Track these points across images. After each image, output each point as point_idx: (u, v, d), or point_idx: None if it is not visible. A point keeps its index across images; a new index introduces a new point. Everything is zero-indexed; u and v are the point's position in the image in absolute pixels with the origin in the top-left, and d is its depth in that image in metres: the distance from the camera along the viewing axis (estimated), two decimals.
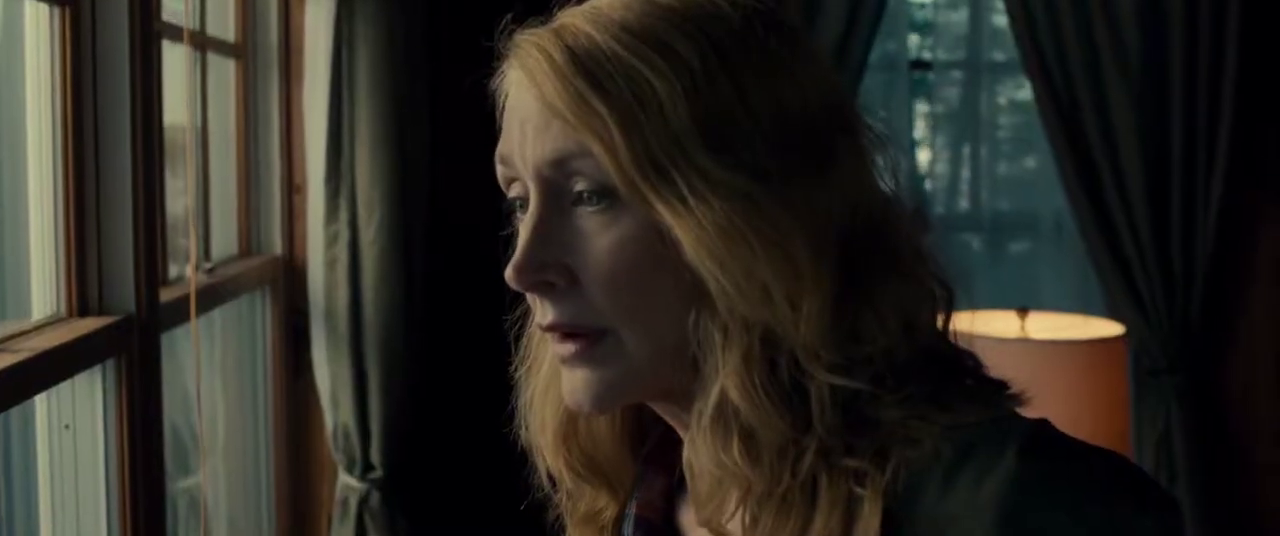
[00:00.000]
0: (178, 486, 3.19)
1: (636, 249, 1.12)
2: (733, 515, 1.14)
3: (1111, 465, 1.07)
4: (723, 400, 1.12)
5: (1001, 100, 4.79)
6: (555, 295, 1.15)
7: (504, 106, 1.21)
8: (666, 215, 1.10)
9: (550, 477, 1.34)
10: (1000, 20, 4.54)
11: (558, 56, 1.13)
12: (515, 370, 1.33)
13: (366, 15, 3.33)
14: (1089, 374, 3.25)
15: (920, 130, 4.82)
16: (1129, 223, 4.34)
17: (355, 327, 3.40)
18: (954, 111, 4.78)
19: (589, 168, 1.12)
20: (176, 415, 3.12)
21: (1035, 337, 3.34)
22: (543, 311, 1.17)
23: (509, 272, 1.15)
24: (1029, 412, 1.14)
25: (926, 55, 4.77)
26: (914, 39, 4.79)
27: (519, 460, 1.34)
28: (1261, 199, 4.49)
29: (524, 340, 1.32)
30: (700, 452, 1.14)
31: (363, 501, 3.48)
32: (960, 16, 4.78)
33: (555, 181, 1.15)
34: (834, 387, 1.10)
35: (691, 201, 1.10)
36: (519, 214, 1.19)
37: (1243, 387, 4.55)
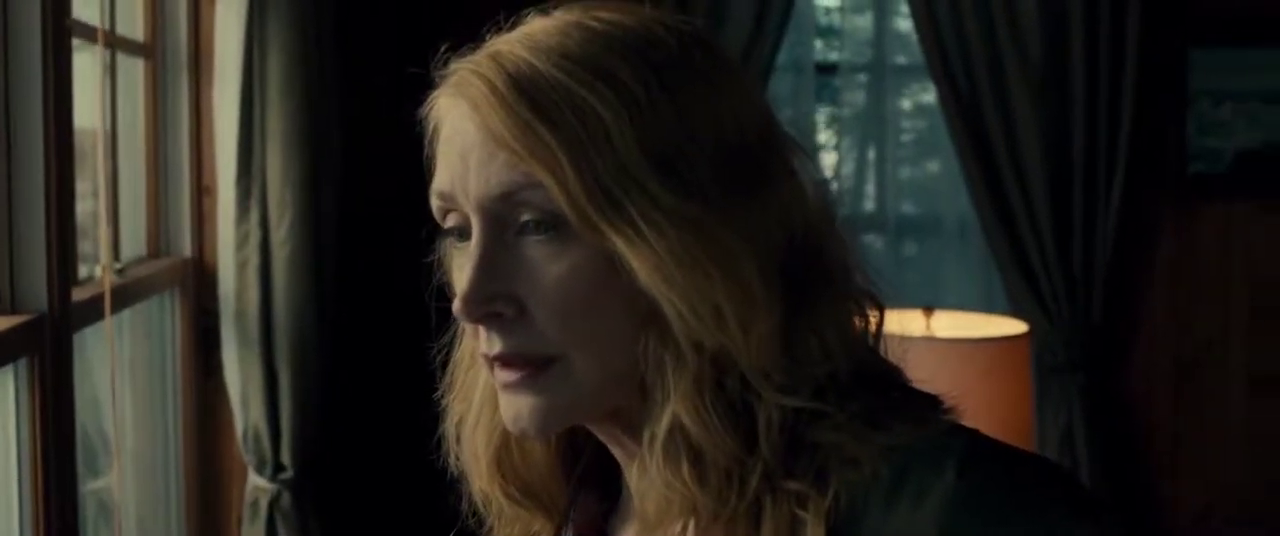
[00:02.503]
0: (86, 489, 3.17)
1: (586, 276, 1.12)
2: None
3: (1048, 478, 1.10)
4: (674, 422, 1.12)
5: (906, 103, 4.84)
6: (503, 325, 1.14)
7: (435, 135, 1.20)
8: (619, 244, 1.10)
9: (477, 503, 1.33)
10: (905, 24, 4.60)
11: (501, 85, 1.12)
12: (441, 396, 1.31)
13: (278, 16, 3.32)
14: (994, 371, 3.29)
15: (825, 133, 4.87)
16: (1032, 224, 4.40)
17: (266, 328, 3.39)
18: (859, 114, 4.82)
19: (538, 198, 1.12)
20: (85, 416, 3.10)
21: (941, 336, 3.38)
22: (490, 342, 1.16)
23: (457, 306, 1.14)
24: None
25: (832, 58, 4.81)
26: (819, 43, 4.83)
27: (431, 465, 1.33)
28: (1161, 201, 4.57)
29: (450, 366, 1.31)
30: (650, 474, 1.14)
31: (273, 502, 3.47)
32: (865, 21, 4.83)
33: (500, 213, 1.14)
34: (782, 409, 1.12)
35: (644, 229, 1.10)
36: (454, 243, 1.19)
37: (1143, 385, 4.63)
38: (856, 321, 1.19)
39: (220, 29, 3.40)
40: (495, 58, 1.14)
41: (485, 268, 1.13)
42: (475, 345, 1.23)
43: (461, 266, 1.16)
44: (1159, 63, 4.46)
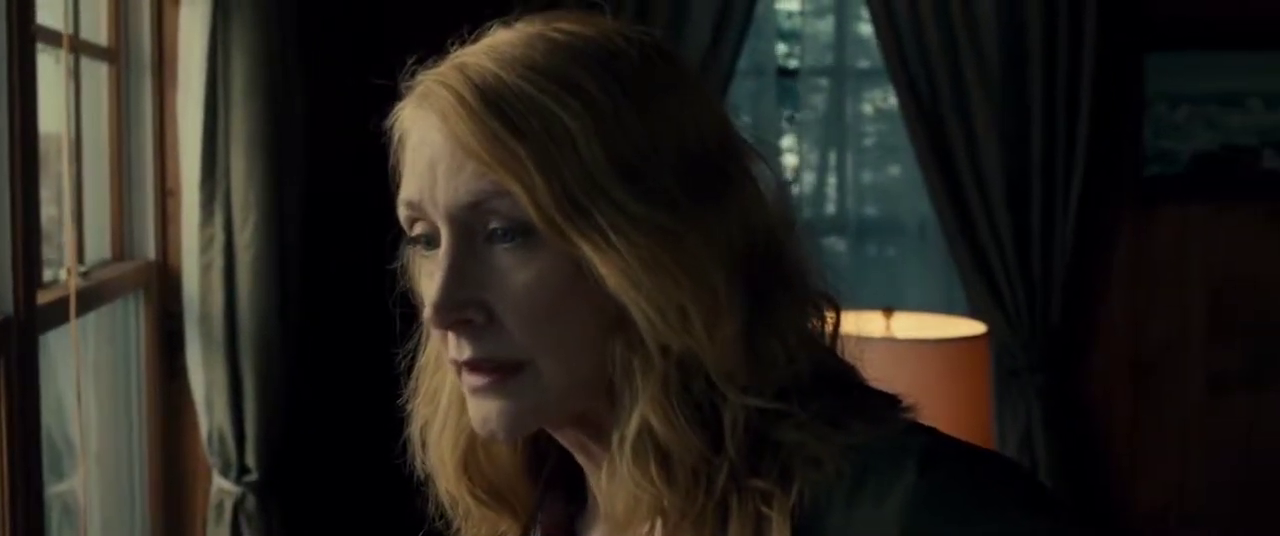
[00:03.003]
0: (51, 491, 3.18)
1: (555, 283, 1.14)
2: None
3: (1007, 475, 1.12)
4: (643, 424, 1.14)
5: (867, 107, 4.87)
6: (473, 332, 1.16)
7: (402, 145, 1.21)
8: (588, 251, 1.12)
9: (443, 505, 1.34)
10: (866, 29, 4.62)
11: (469, 96, 1.14)
12: (406, 401, 1.33)
13: (242, 19, 3.33)
14: (953, 371, 3.33)
15: (787, 137, 4.89)
16: (991, 227, 4.44)
17: (230, 331, 3.41)
18: (820, 118, 4.85)
19: (506, 207, 1.13)
20: (50, 419, 3.11)
21: (900, 337, 3.42)
22: (459, 347, 1.17)
23: (428, 313, 1.16)
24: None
25: (793, 63, 4.84)
26: (781, 47, 4.86)
27: (396, 467, 1.34)
28: (1118, 204, 4.61)
29: (415, 371, 1.32)
30: (619, 476, 1.15)
31: (238, 504, 3.48)
32: (826, 25, 4.86)
33: (469, 221, 1.15)
34: (747, 409, 1.14)
35: (613, 237, 1.12)
36: (422, 251, 1.20)
37: (1101, 387, 4.67)
38: (815, 323, 1.21)
39: (184, 33, 3.40)
40: (461, 69, 1.16)
41: (455, 275, 1.15)
42: (442, 349, 1.24)
43: (430, 273, 1.18)
44: (1116, 67, 4.49)
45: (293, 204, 3.50)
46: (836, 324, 1.23)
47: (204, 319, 3.42)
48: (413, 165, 1.18)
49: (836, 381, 1.21)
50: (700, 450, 1.13)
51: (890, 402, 1.20)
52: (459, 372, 1.19)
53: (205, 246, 3.38)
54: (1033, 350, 4.48)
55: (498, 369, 1.16)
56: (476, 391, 1.18)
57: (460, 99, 1.14)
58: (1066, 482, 4.48)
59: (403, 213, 1.20)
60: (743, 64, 4.52)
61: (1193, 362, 4.70)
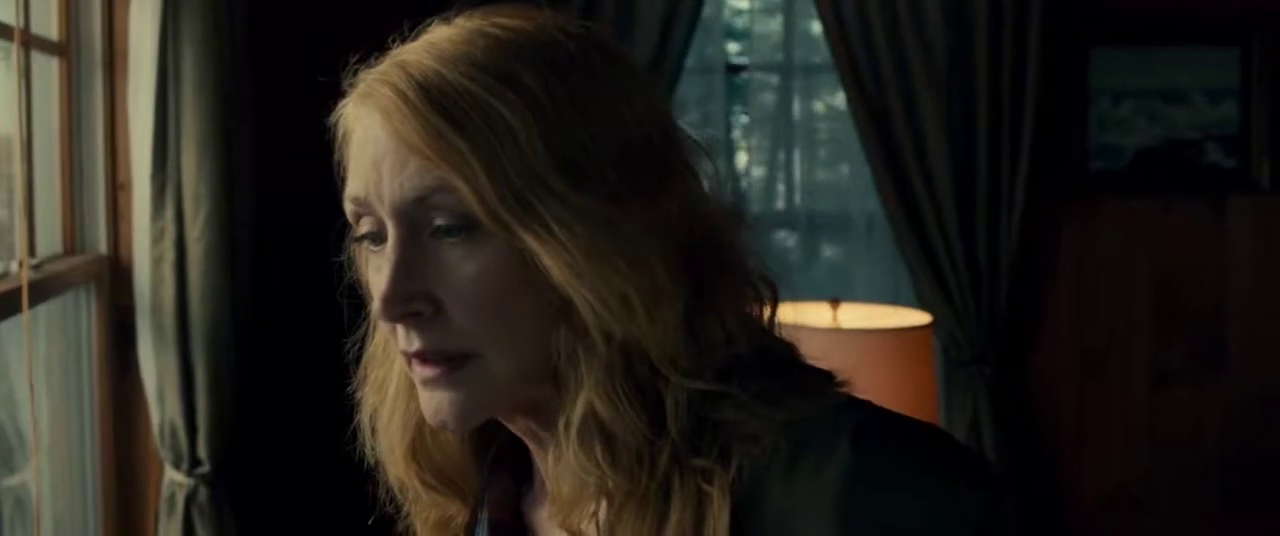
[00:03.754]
0: (3, 485, 3.18)
1: (500, 275, 1.17)
2: (591, 517, 1.21)
3: (937, 445, 1.16)
4: (588, 409, 1.17)
5: (816, 104, 4.90)
6: (421, 324, 1.19)
7: (345, 142, 1.24)
8: (531, 242, 1.15)
9: (393, 491, 1.37)
10: (814, 26, 4.66)
11: (411, 93, 1.16)
12: (354, 390, 1.36)
13: (192, 14, 3.34)
14: (899, 360, 3.37)
15: (737, 133, 4.92)
16: (938, 221, 4.48)
17: (181, 323, 3.41)
18: (770, 115, 4.88)
19: (450, 202, 1.16)
20: (2, 413, 3.11)
21: (847, 327, 3.46)
22: (408, 339, 1.20)
23: (377, 307, 1.19)
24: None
25: (742, 60, 4.87)
26: (730, 44, 4.89)
27: (347, 457, 1.36)
28: (1064, 198, 4.66)
29: (363, 360, 1.36)
30: (566, 459, 1.19)
31: (190, 497, 3.49)
32: (775, 23, 4.89)
33: (415, 216, 1.18)
34: (688, 391, 1.18)
35: (556, 229, 1.15)
36: (369, 246, 1.23)
37: (1048, 378, 4.72)
38: (754, 305, 1.25)
39: (135, 28, 3.41)
40: (403, 66, 1.19)
41: (402, 269, 1.18)
42: (391, 340, 1.27)
43: (378, 268, 1.21)
44: (1060, 63, 4.54)
45: (244, 197, 3.50)
46: (774, 305, 1.26)
47: (155, 311, 3.43)
48: (357, 162, 1.21)
49: (775, 361, 1.24)
50: (643, 432, 1.17)
51: (826, 379, 1.23)
52: (409, 364, 1.22)
53: (156, 239, 3.39)
54: (980, 342, 4.53)
55: (447, 360, 1.19)
56: (427, 382, 1.20)
57: (402, 96, 1.16)
58: (1013, 472, 4.53)
59: (349, 209, 1.23)
60: (692, 61, 4.55)
61: (1137, 354, 4.75)
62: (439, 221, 1.17)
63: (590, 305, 1.16)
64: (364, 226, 1.22)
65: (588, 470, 1.18)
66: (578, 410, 1.18)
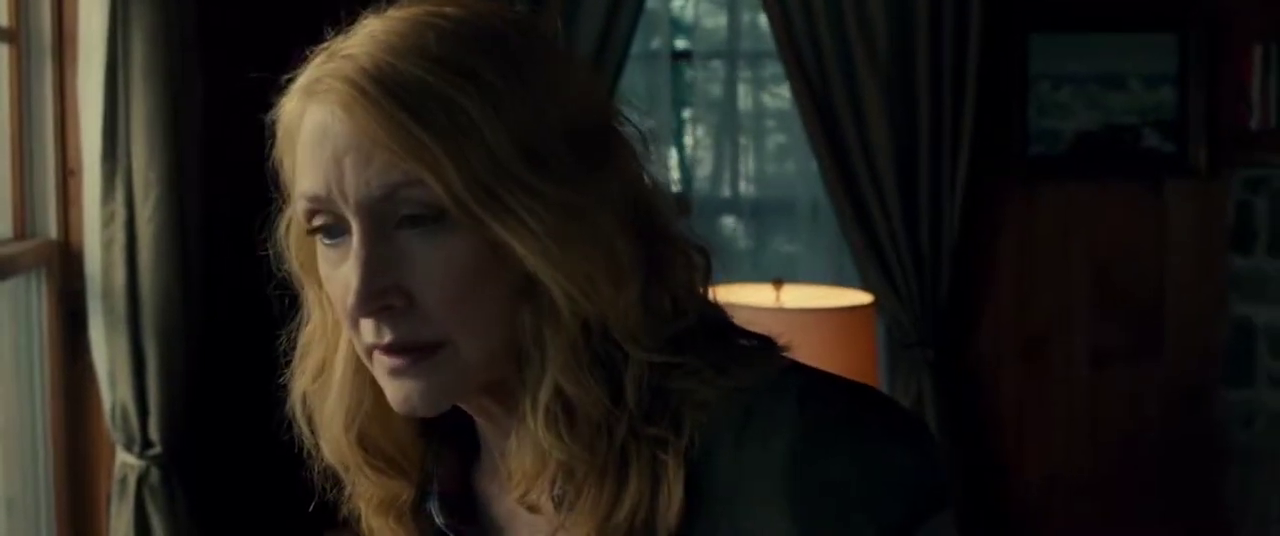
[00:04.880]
0: None
1: (469, 264, 1.17)
2: (547, 491, 1.23)
3: (875, 406, 1.21)
4: (554, 388, 1.19)
5: (760, 90, 4.95)
6: (393, 316, 1.19)
7: (290, 139, 1.23)
8: (502, 233, 1.16)
9: (332, 474, 1.36)
10: (759, 16, 4.70)
11: (371, 88, 1.15)
12: (289, 375, 1.34)
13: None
14: (841, 339, 3.42)
15: (682, 119, 4.96)
16: (881, 206, 4.53)
17: (132, 306, 3.44)
18: (715, 101, 4.92)
19: (419, 195, 1.16)
20: None
21: (790, 306, 3.51)
22: (378, 332, 1.20)
23: (351, 305, 1.18)
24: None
25: (687, 47, 4.91)
26: (674, 32, 4.92)
27: (296, 439, 1.35)
28: (1004, 182, 4.71)
29: (300, 348, 1.34)
30: (532, 434, 1.20)
31: (142, 479, 3.51)
32: (720, 10, 4.93)
33: (382, 211, 1.18)
34: (646, 364, 1.20)
35: (525, 218, 1.16)
36: (323, 241, 1.22)
37: (990, 361, 4.78)
38: (693, 275, 1.27)
39: (84, 14, 3.43)
40: (354, 60, 1.18)
41: (373, 264, 1.18)
42: (330, 328, 1.29)
43: (334, 262, 1.21)
44: (1000, 48, 4.60)
45: (192, 181, 3.53)
46: (709, 273, 1.28)
47: (106, 294, 3.45)
48: (315, 159, 1.19)
49: (716, 328, 1.27)
50: (605, 406, 1.19)
51: (768, 345, 1.27)
52: (370, 356, 1.23)
53: (106, 222, 3.41)
54: (923, 325, 4.58)
55: (417, 349, 1.20)
56: (395, 372, 1.21)
57: (362, 91, 1.16)
58: (956, 453, 4.59)
59: (303, 206, 1.21)
60: (637, 48, 4.59)
61: (1077, 336, 4.82)
62: (406, 214, 1.18)
63: (563, 289, 1.17)
64: (319, 222, 1.21)
65: (553, 445, 1.19)
66: (545, 388, 1.19)
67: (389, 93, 1.15)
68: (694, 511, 1.18)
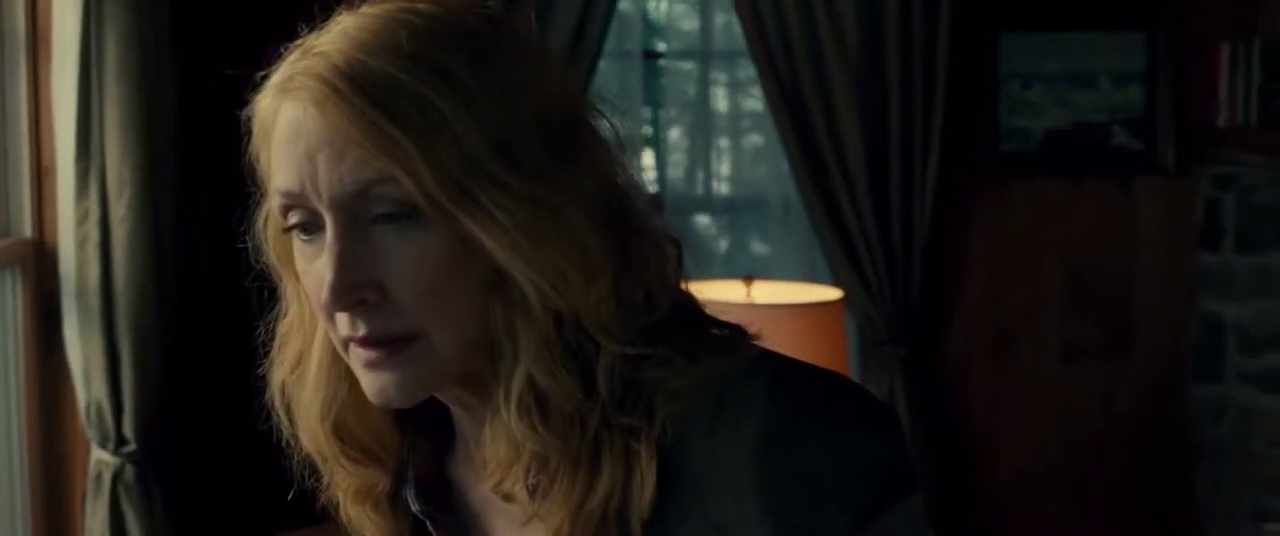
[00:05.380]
0: None
1: (442, 258, 1.19)
2: (521, 480, 1.24)
3: (846, 394, 1.24)
4: (527, 379, 1.20)
5: (732, 89, 4.96)
6: (367, 310, 1.20)
7: (264, 135, 1.24)
8: (473, 228, 1.17)
9: (309, 464, 1.37)
10: (730, 13, 4.72)
11: (343, 86, 1.16)
12: (267, 367, 1.35)
13: None
14: (811, 335, 3.44)
15: (656, 119, 4.98)
16: (852, 204, 4.54)
17: (107, 303, 3.44)
18: (687, 99, 4.93)
19: (392, 192, 1.17)
20: None
21: (760, 302, 3.53)
22: (353, 326, 1.21)
23: (326, 299, 1.19)
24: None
25: (660, 46, 4.92)
26: (647, 31, 4.94)
27: (271, 434, 1.37)
28: (975, 180, 4.73)
29: (278, 339, 1.35)
30: (505, 425, 1.21)
31: (117, 476, 3.52)
32: (692, 9, 4.95)
33: (355, 207, 1.19)
34: (618, 355, 1.21)
35: (497, 214, 1.17)
36: (299, 236, 1.23)
37: (961, 357, 4.80)
38: (668, 266, 1.28)
39: (58, 12, 3.44)
40: (327, 57, 1.19)
41: (347, 260, 1.19)
42: (307, 320, 1.31)
43: (310, 257, 1.23)
44: (970, 47, 4.62)
45: (166, 178, 3.53)
46: (680, 261, 1.30)
47: (80, 292, 3.46)
48: (289, 156, 1.20)
49: (687, 317, 1.28)
50: (578, 397, 1.21)
51: (739, 333, 1.28)
52: (346, 348, 1.24)
53: (81, 220, 3.42)
54: (894, 322, 4.59)
55: (392, 342, 1.21)
56: (370, 365, 1.22)
57: (335, 88, 1.17)
58: (929, 449, 4.62)
59: (277, 202, 1.23)
60: (610, 47, 4.60)
61: (1049, 333, 4.84)
62: (380, 211, 1.19)
63: (535, 284, 1.19)
64: (294, 218, 1.23)
65: (526, 436, 1.21)
66: (517, 380, 1.21)
67: (361, 90, 1.16)
68: (666, 499, 1.20)
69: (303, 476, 1.38)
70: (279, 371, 1.35)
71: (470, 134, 1.17)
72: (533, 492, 1.24)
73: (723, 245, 4.89)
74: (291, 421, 1.35)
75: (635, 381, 1.22)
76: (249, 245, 1.34)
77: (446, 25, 1.22)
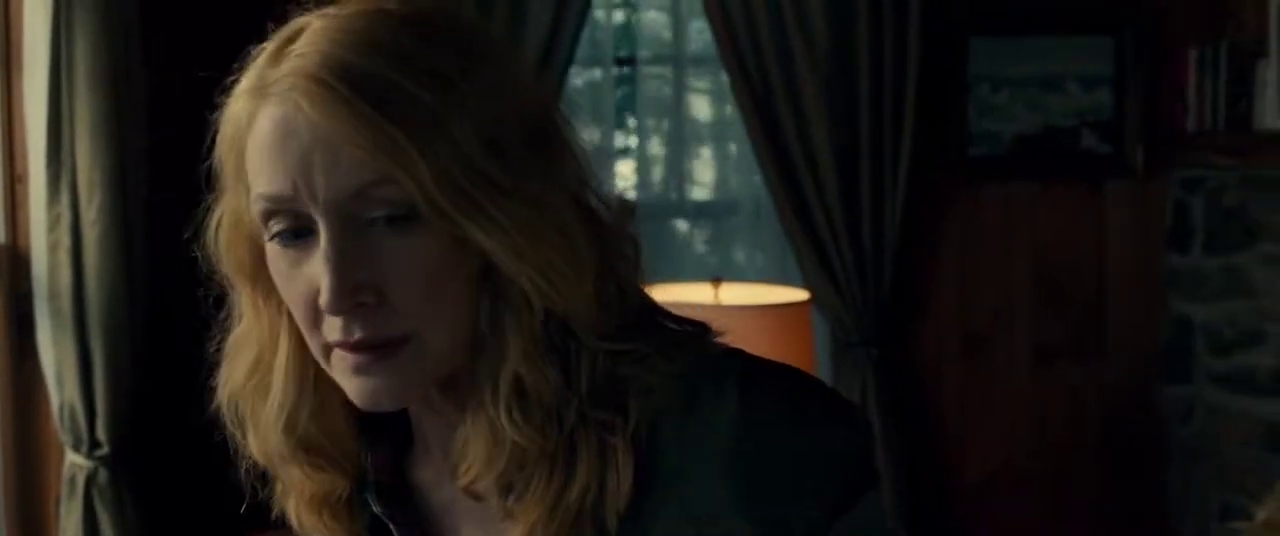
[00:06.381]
0: None
1: (438, 258, 1.18)
2: (498, 477, 1.24)
3: (811, 389, 1.26)
4: (515, 376, 1.20)
5: (703, 93, 4.97)
6: (365, 313, 1.19)
7: (240, 140, 1.21)
8: (471, 229, 1.17)
9: (260, 474, 1.36)
10: (700, 18, 4.73)
11: (338, 85, 1.15)
12: (218, 378, 1.34)
13: (85, 4, 3.39)
14: (779, 335, 3.46)
15: (625, 123, 4.99)
16: (823, 207, 4.55)
17: (78, 307, 3.46)
18: (658, 104, 4.94)
19: (390, 193, 1.16)
20: None
21: (728, 304, 3.55)
22: (347, 330, 1.19)
23: (326, 303, 1.18)
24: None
25: (630, 51, 4.93)
26: (619, 35, 4.95)
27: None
28: (945, 183, 4.74)
29: (229, 348, 1.34)
30: (494, 422, 1.21)
31: (90, 479, 3.54)
32: (663, 15, 4.96)
33: (352, 210, 1.17)
34: (597, 350, 1.22)
35: (495, 214, 1.17)
36: (280, 243, 1.21)
37: (932, 358, 4.81)
38: (633, 264, 1.30)
39: (28, 19, 3.46)
40: (315, 57, 1.17)
41: (345, 265, 1.17)
42: (267, 333, 1.30)
43: (294, 263, 1.21)
44: (940, 51, 4.63)
45: (137, 183, 3.55)
46: (638, 258, 1.31)
47: (53, 296, 3.48)
48: (275, 159, 1.18)
49: (651, 314, 1.31)
50: (559, 393, 1.22)
51: (703, 330, 1.31)
52: (327, 354, 1.23)
53: (52, 225, 3.44)
54: (866, 324, 4.60)
55: (384, 345, 1.20)
56: (360, 369, 1.21)
57: (330, 87, 1.15)
58: (900, 449, 4.64)
59: (261, 207, 1.20)
60: (581, 52, 4.60)
61: (1019, 334, 4.86)
62: (376, 213, 1.18)
63: (531, 279, 1.19)
64: (278, 224, 1.20)
65: (511, 431, 1.21)
66: (505, 377, 1.21)
67: (358, 89, 1.15)
68: (641, 493, 1.22)
69: (254, 487, 1.38)
70: (229, 384, 1.34)
71: (464, 133, 1.17)
72: (506, 492, 1.25)
73: (693, 249, 4.90)
74: (243, 433, 1.34)
75: (611, 377, 1.23)
76: (199, 255, 1.32)
77: (426, 25, 1.22)
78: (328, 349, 1.23)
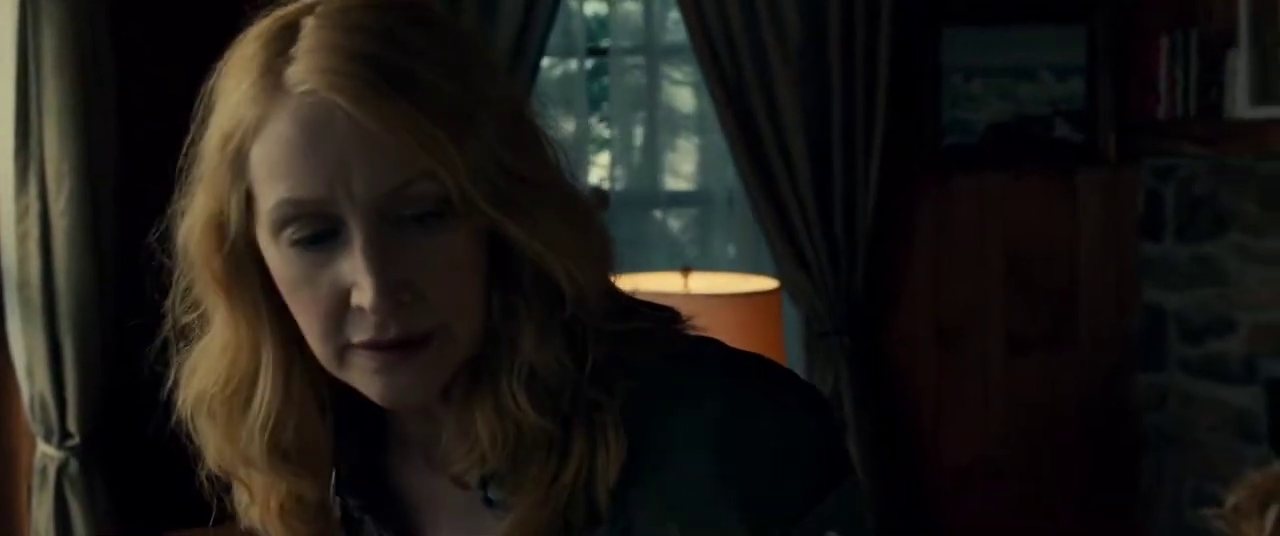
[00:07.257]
0: None
1: (468, 252, 1.19)
2: (497, 463, 1.24)
3: (785, 378, 1.30)
4: (529, 361, 1.22)
5: (676, 83, 4.98)
6: (402, 310, 1.18)
7: (248, 140, 1.18)
8: (507, 223, 1.18)
9: (219, 481, 1.34)
10: (673, 9, 4.73)
11: (377, 81, 1.14)
12: (177, 388, 1.32)
13: None
14: (748, 324, 3.46)
15: (598, 112, 4.99)
16: (796, 197, 4.55)
17: (48, 297, 3.46)
18: (631, 94, 4.94)
19: (428, 190, 1.15)
20: None
21: (698, 292, 3.56)
22: (382, 327, 1.18)
23: (373, 303, 1.16)
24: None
25: (604, 42, 4.93)
26: (591, 25, 4.95)
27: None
28: (918, 173, 4.75)
29: (194, 355, 1.31)
30: (499, 408, 1.22)
31: (61, 469, 3.54)
32: (635, 5, 4.96)
33: (388, 208, 1.16)
34: (599, 333, 1.24)
35: (527, 206, 1.19)
36: (304, 247, 1.18)
37: (906, 348, 4.82)
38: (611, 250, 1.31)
39: None
40: (342, 53, 1.15)
41: (385, 264, 1.16)
42: (245, 341, 1.26)
43: (317, 265, 1.19)
44: (913, 40, 4.65)
45: (106, 172, 3.55)
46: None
47: (22, 287, 3.47)
48: (307, 160, 1.15)
49: (627, 300, 1.32)
50: (565, 376, 1.23)
51: (676, 316, 1.33)
52: (341, 356, 1.21)
53: (21, 216, 3.44)
54: (839, 314, 4.61)
55: (411, 342, 1.19)
56: (387, 367, 1.20)
57: (371, 84, 1.13)
58: (874, 440, 4.64)
59: (281, 213, 1.18)
60: (554, 42, 4.60)
61: (993, 324, 4.86)
62: (412, 211, 1.16)
63: (567, 270, 1.21)
64: (301, 230, 1.18)
65: (527, 416, 1.21)
66: (521, 361, 1.22)
67: (394, 85, 1.14)
68: (627, 474, 1.23)
69: (212, 494, 1.37)
70: (195, 391, 1.31)
71: (487, 127, 1.17)
72: (497, 477, 1.25)
73: (665, 239, 4.89)
74: (204, 442, 1.32)
75: (601, 360, 1.24)
76: (165, 263, 1.30)
77: (420, 16, 1.21)
78: (343, 352, 1.22)
